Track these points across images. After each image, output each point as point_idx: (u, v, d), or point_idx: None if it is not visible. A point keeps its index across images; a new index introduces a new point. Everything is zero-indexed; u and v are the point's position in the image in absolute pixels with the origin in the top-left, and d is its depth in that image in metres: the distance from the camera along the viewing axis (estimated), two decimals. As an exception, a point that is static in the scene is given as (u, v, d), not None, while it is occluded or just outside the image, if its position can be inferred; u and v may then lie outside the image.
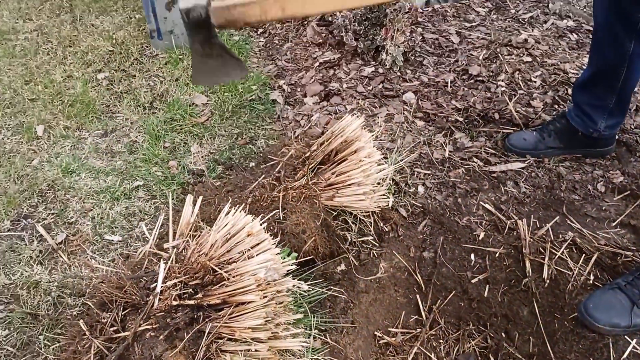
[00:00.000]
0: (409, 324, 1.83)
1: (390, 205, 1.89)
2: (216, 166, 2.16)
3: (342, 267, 1.73)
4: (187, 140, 2.29)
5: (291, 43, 2.95)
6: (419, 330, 1.83)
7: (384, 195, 1.79)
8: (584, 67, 2.11)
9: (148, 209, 1.96)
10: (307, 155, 1.73)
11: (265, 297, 1.20)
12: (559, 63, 2.70)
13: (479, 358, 1.80)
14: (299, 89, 2.61)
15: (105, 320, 1.37)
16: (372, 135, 1.78)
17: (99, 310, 1.41)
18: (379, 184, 1.78)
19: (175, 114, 2.40)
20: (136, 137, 2.30)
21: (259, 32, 3.10)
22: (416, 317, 1.84)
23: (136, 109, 2.46)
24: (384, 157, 1.83)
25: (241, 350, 1.17)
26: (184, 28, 1.37)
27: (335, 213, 1.77)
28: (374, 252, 1.83)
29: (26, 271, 1.73)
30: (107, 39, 2.94)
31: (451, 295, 1.83)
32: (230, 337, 1.20)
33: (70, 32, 3.04)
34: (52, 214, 1.94)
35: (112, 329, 1.35)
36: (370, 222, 1.84)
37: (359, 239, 1.83)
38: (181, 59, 2.77)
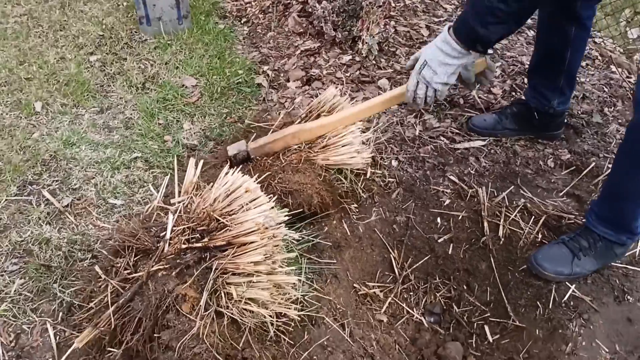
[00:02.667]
0: (383, 279, 2.07)
1: (368, 175, 2.12)
2: (207, 141, 2.35)
3: (332, 224, 1.96)
4: (179, 118, 2.47)
5: (273, 32, 3.16)
6: (392, 285, 2.07)
7: (370, 152, 2.07)
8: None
9: (147, 177, 2.13)
10: (298, 122, 1.96)
11: (264, 238, 1.41)
12: (517, 56, 2.99)
13: (444, 307, 2.06)
14: (282, 74, 2.82)
15: (119, 264, 1.56)
16: (348, 101, 2.02)
17: (112, 257, 1.59)
18: (363, 143, 2.04)
19: (167, 94, 2.57)
20: (131, 114, 2.46)
21: (242, 22, 3.30)
22: (390, 272, 2.08)
23: (129, 89, 2.62)
24: (362, 131, 2.06)
25: (244, 282, 1.38)
26: (230, 164, 1.92)
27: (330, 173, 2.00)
28: (354, 215, 2.06)
29: (36, 230, 1.89)
30: (97, 24, 3.08)
31: (420, 253, 2.08)
32: (234, 272, 1.41)
33: (60, 17, 3.16)
34: (56, 181, 2.10)
35: (126, 271, 1.54)
36: (356, 188, 2.08)
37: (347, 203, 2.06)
38: (169, 44, 2.94)
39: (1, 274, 1.75)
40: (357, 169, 2.10)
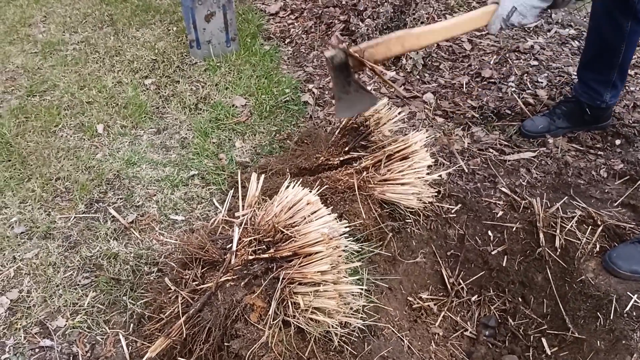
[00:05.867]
0: (437, 292, 2.09)
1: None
2: (259, 158, 2.42)
3: (386, 236, 1.99)
4: (231, 136, 2.56)
5: (317, 51, 3.24)
6: (445, 298, 2.08)
7: (430, 196, 2.03)
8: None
9: (204, 194, 2.22)
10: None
11: (329, 248, 1.46)
12: (563, 66, 2.98)
13: (499, 320, 2.06)
14: (327, 92, 2.89)
15: (188, 276, 1.63)
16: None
17: (180, 269, 1.66)
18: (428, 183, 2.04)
19: (219, 114, 2.67)
20: (186, 134, 2.57)
21: (286, 42, 3.39)
22: (443, 285, 2.09)
23: (183, 110, 2.73)
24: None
25: (311, 291, 1.43)
26: (329, 71, 1.81)
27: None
28: (407, 229, 2.09)
29: (104, 245, 1.99)
30: (150, 49, 3.23)
31: (474, 266, 2.09)
32: (300, 281, 1.46)
33: (115, 43, 3.33)
34: (121, 198, 2.20)
35: (194, 283, 1.61)
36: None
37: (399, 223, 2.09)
38: (219, 66, 3.05)
39: (75, 287, 1.85)
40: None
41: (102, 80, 2.96)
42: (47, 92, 2.90)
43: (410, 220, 2.09)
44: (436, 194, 2.10)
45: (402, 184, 1.93)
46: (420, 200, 1.99)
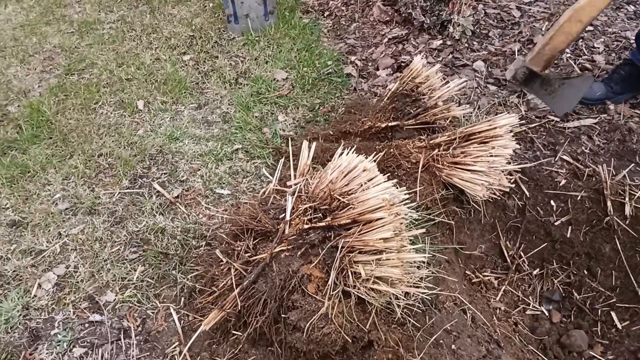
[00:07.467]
0: (496, 265, 1.98)
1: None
2: (303, 132, 2.34)
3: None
4: (273, 110, 2.48)
5: (358, 23, 3.12)
6: (505, 272, 1.97)
7: (501, 187, 1.84)
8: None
9: (249, 168, 2.15)
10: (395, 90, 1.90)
11: (391, 215, 1.37)
12: (619, 31, 2.79)
13: (564, 294, 1.94)
14: (370, 63, 2.78)
15: (239, 247, 1.56)
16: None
17: (231, 241, 1.60)
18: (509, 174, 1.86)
19: (260, 88, 2.59)
20: (227, 108, 2.50)
21: (325, 15, 3.29)
22: (503, 258, 1.98)
23: (223, 84, 2.67)
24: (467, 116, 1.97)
25: (372, 260, 1.34)
26: (519, 87, 1.83)
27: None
28: (464, 198, 1.98)
29: (150, 220, 1.95)
30: (187, 26, 3.17)
31: (535, 238, 1.97)
32: (361, 250, 1.38)
33: (151, 21, 3.28)
34: (165, 173, 2.15)
35: (246, 254, 1.54)
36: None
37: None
38: (257, 40, 2.97)
39: (122, 262, 1.81)
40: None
41: (140, 57, 2.92)
42: (86, 70, 2.87)
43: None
44: (512, 185, 1.94)
45: (472, 171, 1.75)
46: (490, 190, 1.81)
